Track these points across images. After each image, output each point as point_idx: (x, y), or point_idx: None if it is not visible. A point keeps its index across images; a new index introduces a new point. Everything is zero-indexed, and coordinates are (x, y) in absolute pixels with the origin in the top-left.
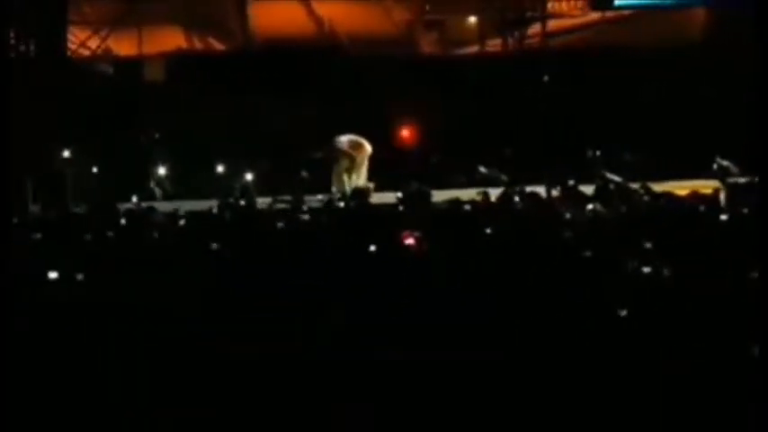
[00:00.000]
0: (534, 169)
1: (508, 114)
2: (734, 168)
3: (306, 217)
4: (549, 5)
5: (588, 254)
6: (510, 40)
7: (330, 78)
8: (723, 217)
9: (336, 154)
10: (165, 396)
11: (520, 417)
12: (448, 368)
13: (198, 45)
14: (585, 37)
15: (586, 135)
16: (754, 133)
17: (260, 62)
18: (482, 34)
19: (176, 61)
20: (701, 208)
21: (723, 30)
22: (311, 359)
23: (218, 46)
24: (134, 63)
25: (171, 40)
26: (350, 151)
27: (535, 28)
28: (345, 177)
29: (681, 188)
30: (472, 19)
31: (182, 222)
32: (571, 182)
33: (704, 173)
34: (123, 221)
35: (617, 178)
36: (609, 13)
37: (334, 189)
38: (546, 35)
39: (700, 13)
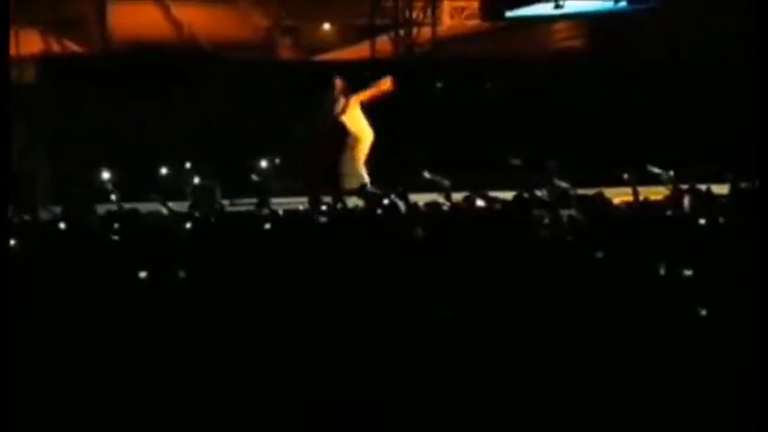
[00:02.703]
0: (462, 175)
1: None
2: (665, 176)
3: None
4: (408, 14)
5: (599, 255)
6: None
7: (199, 81)
8: (701, 221)
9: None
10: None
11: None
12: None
13: (57, 48)
14: (465, 46)
15: (499, 141)
16: (754, 135)
17: (126, 65)
18: (339, 40)
19: (45, 64)
20: (669, 213)
21: (605, 39)
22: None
23: (77, 49)
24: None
25: (32, 42)
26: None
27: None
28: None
29: (624, 195)
30: (327, 26)
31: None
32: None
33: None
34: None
35: (565, 185)
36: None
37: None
38: (414, 44)
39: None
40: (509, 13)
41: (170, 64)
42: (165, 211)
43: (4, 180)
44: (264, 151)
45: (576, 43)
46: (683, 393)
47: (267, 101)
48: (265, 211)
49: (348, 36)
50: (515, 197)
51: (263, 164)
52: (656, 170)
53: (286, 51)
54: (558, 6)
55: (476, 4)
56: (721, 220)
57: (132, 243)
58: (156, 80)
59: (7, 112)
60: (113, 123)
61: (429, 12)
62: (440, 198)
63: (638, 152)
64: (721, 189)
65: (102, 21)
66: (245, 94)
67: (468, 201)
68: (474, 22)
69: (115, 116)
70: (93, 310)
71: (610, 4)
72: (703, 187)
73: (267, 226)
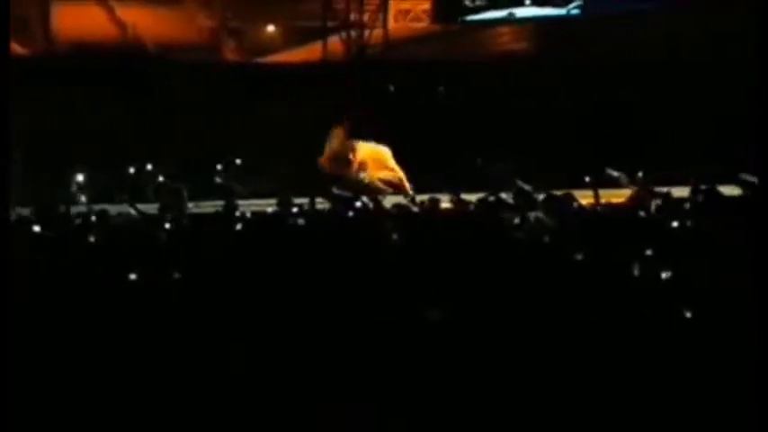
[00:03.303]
0: (421, 177)
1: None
2: (624, 179)
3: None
4: (358, 16)
5: (579, 257)
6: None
7: (145, 83)
8: (675, 224)
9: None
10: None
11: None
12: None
13: None
14: (416, 48)
15: (457, 143)
16: (754, 136)
17: (71, 65)
18: (284, 42)
19: None
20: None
21: (555, 42)
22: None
23: (19, 50)
24: None
25: None
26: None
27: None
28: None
29: (586, 197)
30: (271, 27)
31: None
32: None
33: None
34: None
35: (527, 187)
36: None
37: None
38: (365, 46)
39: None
40: (462, 18)
41: (115, 65)
42: (134, 212)
43: (4, 180)
44: (221, 153)
45: (522, 46)
46: (659, 393)
47: (214, 102)
48: (238, 212)
49: (293, 38)
50: (480, 200)
51: (226, 166)
52: (615, 173)
53: (231, 53)
54: (510, 15)
55: (420, 7)
56: (683, 221)
57: (106, 245)
58: (101, 81)
59: (7, 112)
60: (58, 124)
61: (380, 14)
62: (404, 200)
63: (598, 154)
64: (683, 191)
65: (46, 21)
66: (191, 95)
67: (433, 203)
68: (419, 25)
69: (60, 117)
70: (63, 313)
71: (563, 12)
72: (664, 190)
73: (239, 226)
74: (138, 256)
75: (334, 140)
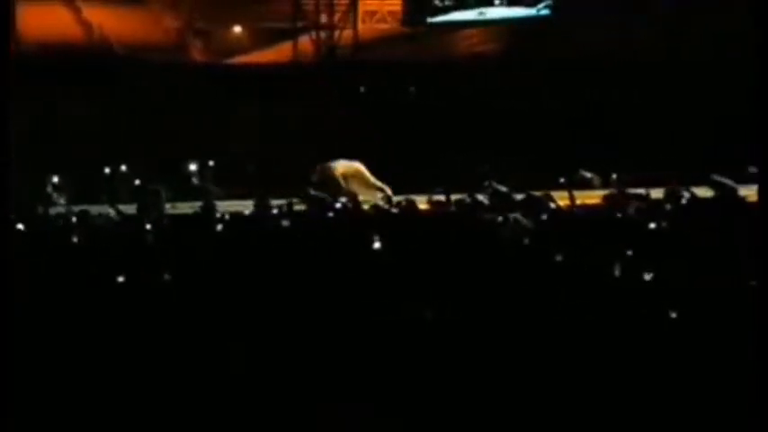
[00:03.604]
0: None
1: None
2: (597, 180)
3: None
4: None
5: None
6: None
7: (111, 83)
8: (652, 225)
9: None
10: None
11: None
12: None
13: None
14: (385, 50)
15: (430, 144)
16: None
17: (37, 65)
18: (251, 43)
19: None
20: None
21: (522, 44)
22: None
23: None
24: None
25: None
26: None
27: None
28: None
29: (562, 198)
30: (237, 29)
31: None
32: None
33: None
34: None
35: (503, 188)
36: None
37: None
38: (336, 46)
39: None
40: (431, 19)
41: (81, 65)
42: (113, 213)
43: (4, 180)
44: (192, 154)
45: (490, 47)
46: (640, 392)
47: (183, 103)
48: (218, 213)
49: (259, 39)
50: (457, 201)
51: (199, 167)
52: (588, 174)
53: (198, 54)
54: (480, 14)
55: (386, 9)
56: (660, 223)
57: (91, 246)
58: (67, 81)
59: (7, 112)
60: (25, 125)
61: (350, 16)
62: (380, 201)
63: (571, 154)
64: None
65: (12, 21)
66: (160, 96)
67: (410, 204)
68: (385, 26)
69: (26, 118)
70: (50, 313)
71: (533, 12)
72: (638, 191)
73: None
74: (125, 257)
75: (318, 176)
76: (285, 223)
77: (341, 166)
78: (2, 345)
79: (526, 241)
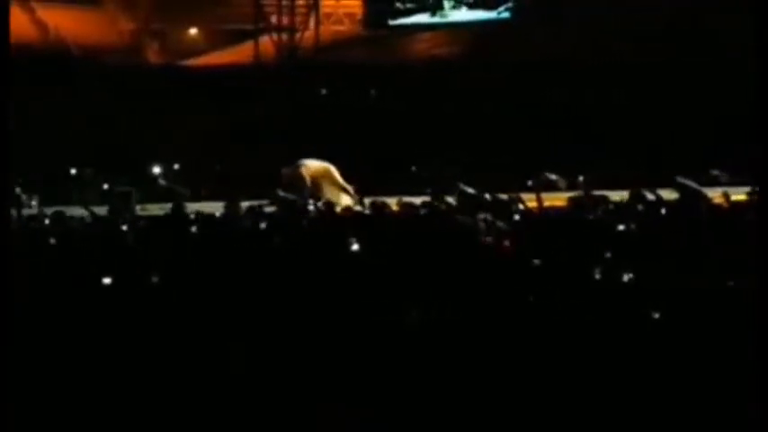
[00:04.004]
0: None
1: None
2: (561, 182)
3: None
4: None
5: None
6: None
7: (67, 84)
8: (621, 227)
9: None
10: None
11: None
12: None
13: None
14: (346, 52)
15: (395, 145)
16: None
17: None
18: (207, 45)
19: None
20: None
21: (480, 46)
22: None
23: None
24: None
25: None
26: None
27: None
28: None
29: (529, 199)
30: (193, 30)
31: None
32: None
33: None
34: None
35: (471, 190)
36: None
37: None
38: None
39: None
40: (393, 22)
41: (37, 66)
42: (87, 215)
43: (4, 180)
44: (154, 156)
45: (447, 50)
46: (612, 390)
47: (139, 104)
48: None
49: (216, 40)
50: (425, 203)
51: (165, 169)
52: (553, 176)
53: (153, 55)
54: (441, 17)
55: (342, 11)
56: (627, 224)
57: (71, 247)
58: (23, 82)
59: (7, 112)
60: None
61: (311, 18)
62: (351, 203)
63: (536, 156)
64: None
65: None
66: (118, 97)
67: (377, 205)
68: (342, 28)
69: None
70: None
71: (492, 15)
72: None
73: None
74: (107, 259)
75: (287, 176)
76: (261, 225)
77: (311, 166)
78: None
79: (504, 242)
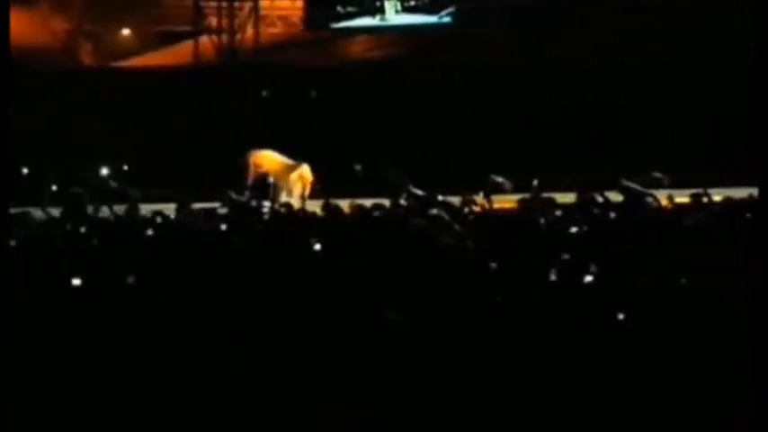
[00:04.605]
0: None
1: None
2: (507, 185)
3: None
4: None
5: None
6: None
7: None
8: (573, 229)
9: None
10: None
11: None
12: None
13: None
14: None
15: (338, 148)
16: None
17: None
18: (140, 46)
19: None
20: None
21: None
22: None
23: None
24: None
25: None
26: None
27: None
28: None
29: (480, 202)
30: (126, 31)
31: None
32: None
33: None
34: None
35: (420, 192)
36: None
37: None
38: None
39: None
40: (335, 25)
41: None
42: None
43: (4, 180)
44: (103, 158)
45: (384, 52)
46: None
47: (73, 106)
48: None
49: (148, 42)
50: (376, 205)
51: (111, 171)
52: (499, 179)
53: (87, 56)
54: (382, 20)
55: (276, 13)
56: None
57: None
58: None
59: (7, 112)
60: None
61: (250, 20)
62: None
63: (482, 158)
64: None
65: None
66: (52, 98)
67: (329, 207)
68: (275, 30)
69: None
70: None
71: (434, 19)
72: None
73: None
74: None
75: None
76: (222, 227)
77: (259, 154)
78: None
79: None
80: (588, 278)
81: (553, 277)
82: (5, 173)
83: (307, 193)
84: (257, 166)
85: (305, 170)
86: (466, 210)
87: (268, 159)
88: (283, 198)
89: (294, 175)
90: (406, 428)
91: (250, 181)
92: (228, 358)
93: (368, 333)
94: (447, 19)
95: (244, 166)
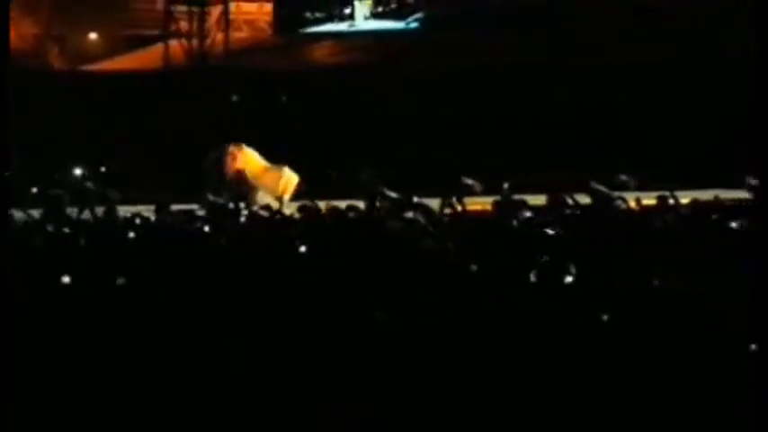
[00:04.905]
0: None
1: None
2: (478, 186)
3: None
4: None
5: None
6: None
7: None
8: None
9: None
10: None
11: None
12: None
13: None
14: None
15: (311, 151)
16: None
17: None
18: (107, 50)
19: None
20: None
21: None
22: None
23: None
24: None
25: None
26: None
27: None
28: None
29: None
30: (93, 35)
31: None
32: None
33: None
34: None
35: (394, 194)
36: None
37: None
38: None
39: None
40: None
41: None
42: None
43: (3, 180)
44: (79, 159)
45: (346, 58)
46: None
47: (42, 109)
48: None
49: (115, 46)
50: (350, 206)
51: (87, 172)
52: (470, 181)
53: (55, 60)
54: (350, 26)
55: (242, 17)
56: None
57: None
58: None
59: (7, 112)
60: None
61: (222, 24)
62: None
63: (450, 161)
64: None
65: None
66: (25, 100)
67: (306, 210)
68: (241, 35)
69: None
70: None
71: (401, 25)
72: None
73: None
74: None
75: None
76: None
77: (229, 146)
78: None
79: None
80: (568, 279)
81: (533, 278)
82: (5, 173)
83: (288, 195)
84: (233, 158)
85: (287, 172)
86: (442, 212)
87: (246, 156)
88: (259, 199)
89: (272, 176)
90: (406, 428)
91: (229, 176)
92: (223, 359)
93: (359, 333)
94: (415, 24)
95: (220, 158)
